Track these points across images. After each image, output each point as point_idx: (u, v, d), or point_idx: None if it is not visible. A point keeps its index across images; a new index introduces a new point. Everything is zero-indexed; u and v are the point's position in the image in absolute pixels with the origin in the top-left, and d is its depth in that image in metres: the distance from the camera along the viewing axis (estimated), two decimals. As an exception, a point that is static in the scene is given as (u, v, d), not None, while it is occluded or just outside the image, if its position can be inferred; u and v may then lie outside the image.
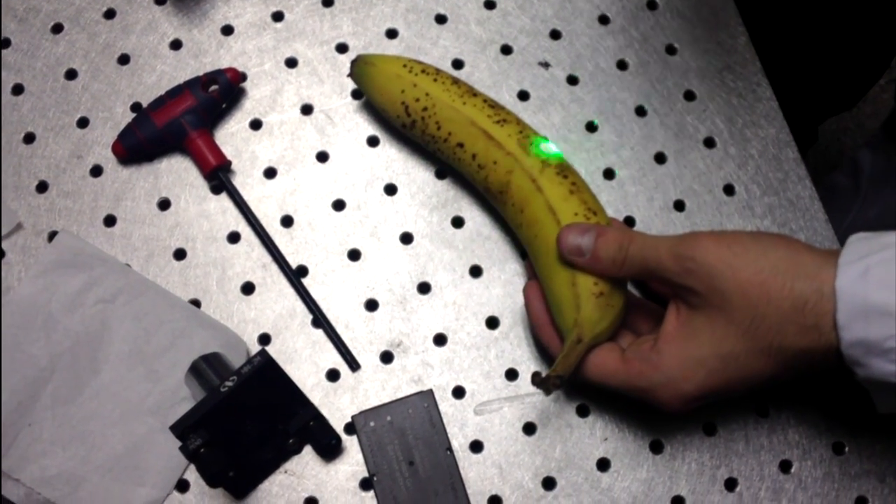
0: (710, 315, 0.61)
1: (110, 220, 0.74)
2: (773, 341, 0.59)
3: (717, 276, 0.60)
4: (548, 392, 0.65)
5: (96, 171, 0.75)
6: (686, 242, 0.62)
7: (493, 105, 0.71)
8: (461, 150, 0.71)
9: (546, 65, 0.78)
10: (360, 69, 0.74)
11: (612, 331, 0.67)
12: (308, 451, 0.69)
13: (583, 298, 0.65)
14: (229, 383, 0.65)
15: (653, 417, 0.71)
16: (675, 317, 0.63)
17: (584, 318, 0.65)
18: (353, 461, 0.69)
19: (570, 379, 0.65)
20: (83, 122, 0.76)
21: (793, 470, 0.70)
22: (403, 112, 0.72)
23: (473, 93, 0.71)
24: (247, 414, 0.66)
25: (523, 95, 0.77)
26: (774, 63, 0.81)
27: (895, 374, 0.56)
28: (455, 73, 0.78)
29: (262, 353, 0.66)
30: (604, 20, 0.80)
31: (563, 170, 0.68)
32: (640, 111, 0.77)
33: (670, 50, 0.79)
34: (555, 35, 0.79)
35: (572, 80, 0.78)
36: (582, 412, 0.71)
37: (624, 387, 0.64)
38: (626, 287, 0.67)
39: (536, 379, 0.65)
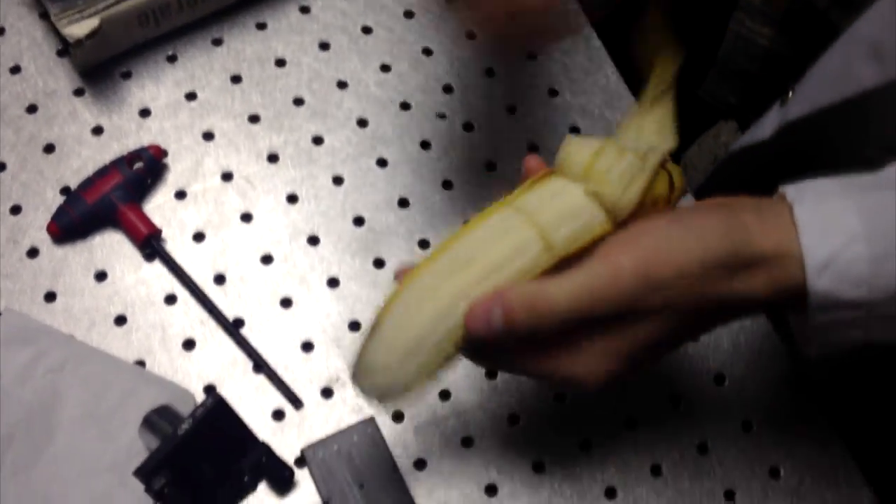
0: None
1: (50, 296, 0.77)
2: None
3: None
4: None
5: (33, 252, 0.78)
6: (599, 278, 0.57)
7: None
8: None
9: (443, 115, 0.85)
10: None
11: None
12: (263, 487, 0.73)
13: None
14: (185, 426, 0.68)
15: (583, 421, 0.77)
16: None
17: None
18: (307, 492, 0.73)
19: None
20: (16, 210, 0.79)
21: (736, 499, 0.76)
22: None
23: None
24: (203, 456, 0.69)
25: (425, 144, 0.84)
26: None
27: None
28: (360, 130, 0.84)
29: (214, 394, 0.70)
30: (490, 73, 0.88)
31: None
32: (533, 147, 0.85)
33: (552, 92, 0.87)
34: (447, 89, 0.87)
35: (468, 127, 0.86)
36: (512, 421, 0.76)
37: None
38: None
39: None
